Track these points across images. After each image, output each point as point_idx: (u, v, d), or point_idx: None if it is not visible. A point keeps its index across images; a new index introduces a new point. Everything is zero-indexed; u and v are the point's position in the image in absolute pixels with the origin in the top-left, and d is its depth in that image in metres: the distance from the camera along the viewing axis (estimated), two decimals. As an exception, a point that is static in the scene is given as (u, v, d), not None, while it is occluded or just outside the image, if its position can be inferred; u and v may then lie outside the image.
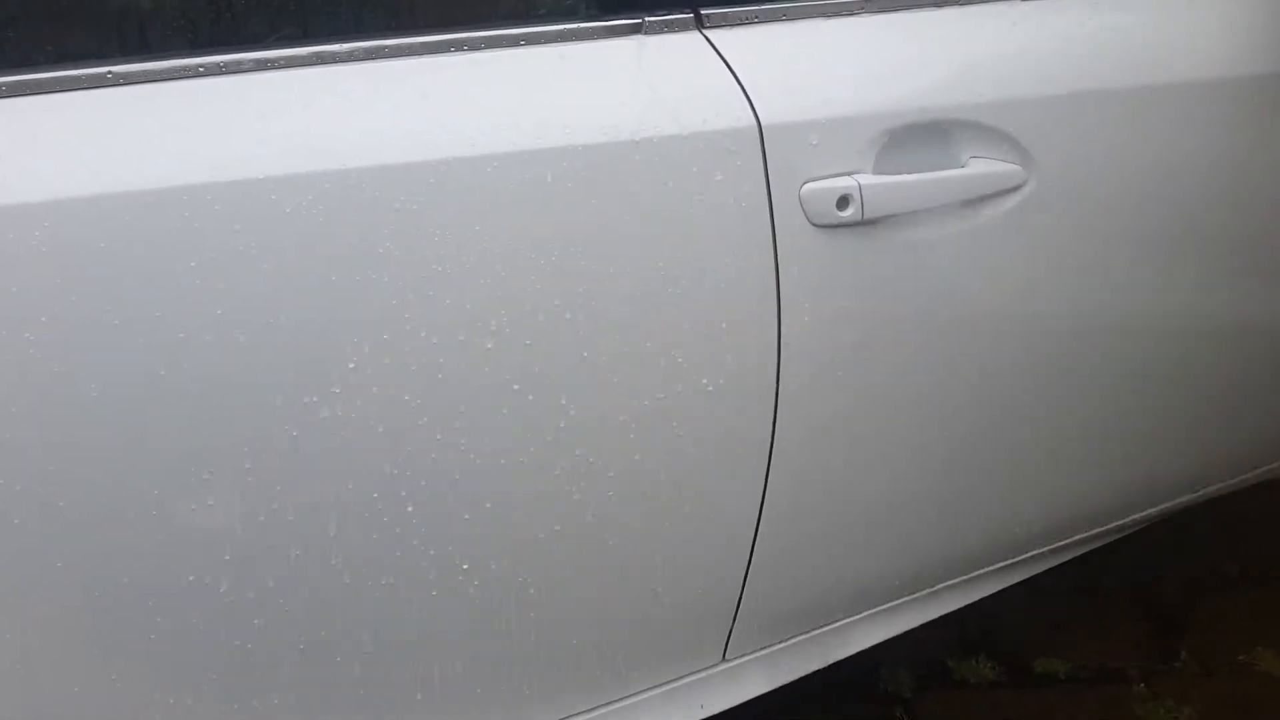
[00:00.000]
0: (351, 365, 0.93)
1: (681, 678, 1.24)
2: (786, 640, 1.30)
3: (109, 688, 0.92)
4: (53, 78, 0.87)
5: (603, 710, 1.18)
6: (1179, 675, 1.68)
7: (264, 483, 0.92)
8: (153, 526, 0.90)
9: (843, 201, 1.09)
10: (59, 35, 0.91)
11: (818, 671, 1.35)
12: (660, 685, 1.22)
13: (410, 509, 0.98)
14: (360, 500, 0.96)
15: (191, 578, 0.92)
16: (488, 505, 1.01)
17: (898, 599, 1.37)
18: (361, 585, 0.98)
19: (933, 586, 1.40)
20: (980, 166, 1.17)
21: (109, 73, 0.88)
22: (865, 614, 1.36)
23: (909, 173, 1.13)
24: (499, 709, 1.11)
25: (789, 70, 1.10)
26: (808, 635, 1.32)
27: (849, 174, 1.10)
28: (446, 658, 1.05)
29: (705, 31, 1.09)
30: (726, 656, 1.25)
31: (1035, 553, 1.48)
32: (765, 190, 1.06)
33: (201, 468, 0.90)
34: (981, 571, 1.44)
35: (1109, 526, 1.54)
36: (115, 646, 0.92)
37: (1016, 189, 1.19)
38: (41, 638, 0.89)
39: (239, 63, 0.92)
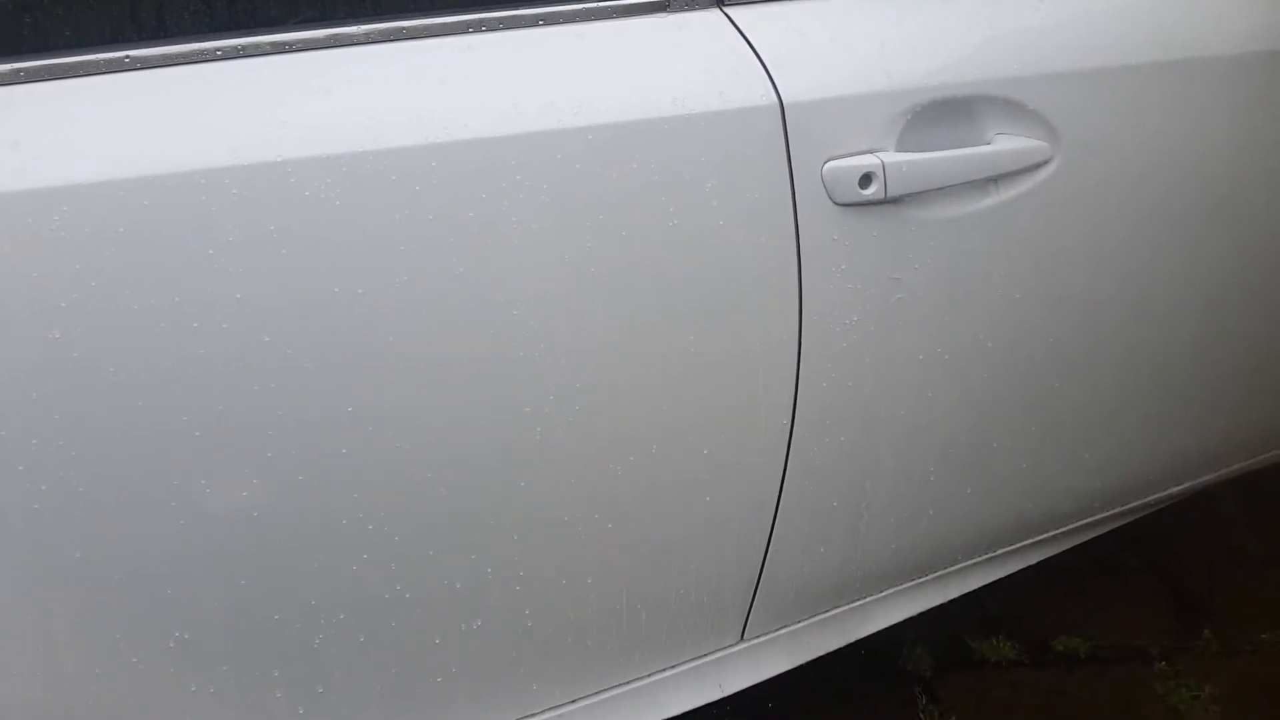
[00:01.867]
0: (372, 349, 0.93)
1: (699, 657, 1.24)
2: (805, 619, 1.30)
3: (130, 671, 0.93)
4: (69, 62, 0.86)
5: (619, 690, 1.19)
6: (1201, 654, 1.67)
7: (284, 470, 0.92)
8: (173, 513, 0.90)
9: (865, 179, 1.08)
10: (75, 20, 0.91)
11: (837, 650, 1.35)
12: (678, 665, 1.22)
13: (432, 491, 0.98)
14: (381, 484, 0.96)
15: (208, 566, 0.93)
16: (508, 485, 1.01)
17: (918, 578, 1.37)
18: (379, 570, 0.99)
19: (953, 565, 1.40)
20: (1005, 143, 1.16)
21: (126, 57, 0.88)
22: (885, 593, 1.36)
23: (933, 150, 1.12)
24: (515, 686, 1.11)
25: (810, 47, 1.09)
26: (827, 614, 1.32)
27: (872, 151, 1.08)
28: (466, 637, 1.06)
29: (725, 9, 1.07)
30: (745, 636, 1.26)
31: (1058, 531, 1.47)
32: (787, 168, 1.05)
33: (221, 454, 0.90)
34: (1003, 550, 1.43)
35: (1133, 505, 1.53)
36: (135, 633, 0.92)
37: (1042, 166, 1.17)
38: (62, 624, 0.90)
39: (256, 46, 0.91)
